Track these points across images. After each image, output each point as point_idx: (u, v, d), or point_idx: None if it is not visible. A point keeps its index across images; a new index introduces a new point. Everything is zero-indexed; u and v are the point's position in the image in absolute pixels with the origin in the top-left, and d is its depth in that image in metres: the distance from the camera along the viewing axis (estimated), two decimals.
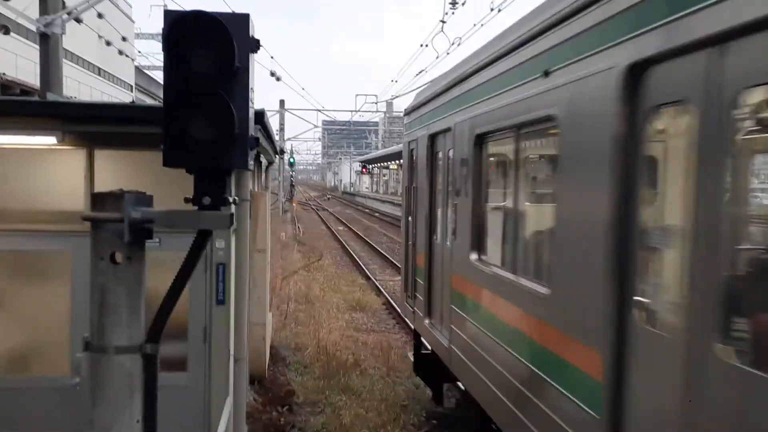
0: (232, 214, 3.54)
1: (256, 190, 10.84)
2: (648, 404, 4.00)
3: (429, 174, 9.88)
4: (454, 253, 8.39)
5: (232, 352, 7.33)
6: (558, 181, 5.38)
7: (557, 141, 5.27)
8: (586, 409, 4.63)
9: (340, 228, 43.98)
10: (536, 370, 5.60)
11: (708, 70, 3.46)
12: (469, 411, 8.33)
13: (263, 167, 12.74)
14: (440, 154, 9.39)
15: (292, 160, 59.48)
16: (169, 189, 3.77)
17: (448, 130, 8.70)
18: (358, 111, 47.89)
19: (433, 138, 9.74)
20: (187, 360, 6.98)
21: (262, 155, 10.56)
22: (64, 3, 13.48)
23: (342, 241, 35.10)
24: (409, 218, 11.36)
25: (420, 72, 24.20)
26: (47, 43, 13.31)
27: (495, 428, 6.87)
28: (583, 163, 4.79)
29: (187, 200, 3.43)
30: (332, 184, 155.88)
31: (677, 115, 3.89)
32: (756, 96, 3.40)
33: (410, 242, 11.16)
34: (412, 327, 11.20)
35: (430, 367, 10.06)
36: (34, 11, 13.42)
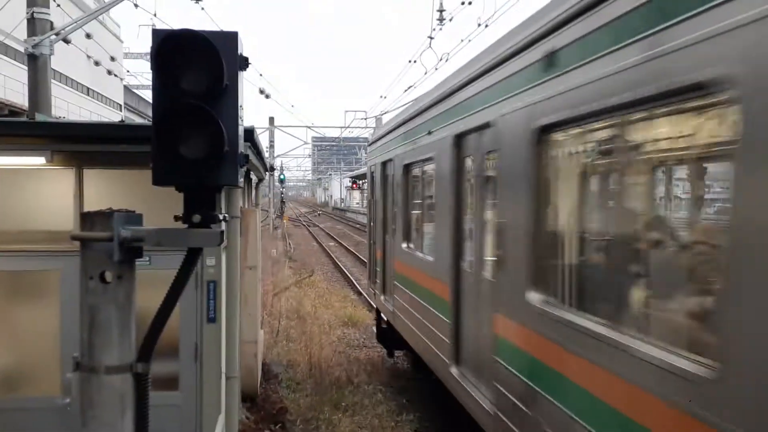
0: (222, 232, 3.53)
1: (246, 206, 10.83)
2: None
3: (382, 191, 12.94)
4: (395, 244, 11.19)
5: (223, 370, 7.29)
6: (437, 194, 8.76)
7: (436, 171, 8.74)
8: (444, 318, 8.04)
9: (331, 243, 43.91)
10: (429, 307, 8.88)
11: (477, 141, 7.02)
12: (407, 357, 13.10)
13: (253, 184, 12.74)
14: (388, 177, 11.95)
15: (282, 176, 59.51)
16: (159, 207, 3.77)
17: (391, 159, 12.02)
18: (348, 127, 47.95)
19: (384, 164, 12.91)
20: (179, 378, 6.94)
21: (252, 172, 10.56)
22: (52, 24, 13.48)
23: (333, 256, 35.03)
24: (372, 224, 14.73)
25: (409, 87, 24.32)
26: (35, 64, 13.29)
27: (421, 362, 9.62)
28: (444, 183, 8.28)
29: (177, 218, 3.42)
30: (323, 199, 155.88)
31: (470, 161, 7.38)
32: (491, 155, 6.57)
33: (372, 241, 14.49)
34: (374, 305, 14.75)
35: (387, 337, 13.23)
36: (22, 32, 13.42)
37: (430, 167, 9.33)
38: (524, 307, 5.47)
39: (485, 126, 6.59)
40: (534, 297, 5.31)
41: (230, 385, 7.50)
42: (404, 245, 10.74)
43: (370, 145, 15.53)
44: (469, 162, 7.57)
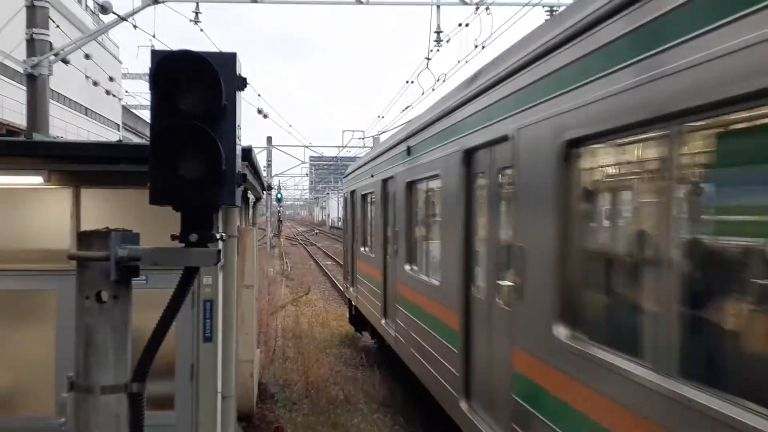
0: (219, 251, 3.52)
1: (243, 225, 10.82)
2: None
3: (352, 213, 17.64)
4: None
5: (219, 389, 7.23)
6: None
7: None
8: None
9: (328, 262, 43.79)
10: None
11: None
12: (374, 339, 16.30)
13: (251, 203, 12.74)
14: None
15: (279, 195, 59.45)
16: (157, 227, 3.76)
17: (355, 191, 16.74)
18: (345, 146, 48.00)
19: (351, 193, 17.80)
20: (174, 398, 6.89)
21: (249, 191, 10.57)
22: (51, 45, 13.54)
23: (330, 275, 34.94)
24: (345, 236, 19.66)
25: (406, 108, 24.37)
26: (34, 84, 13.34)
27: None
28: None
29: (174, 237, 3.42)
30: (320, 218, 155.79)
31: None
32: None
33: (346, 249, 19.50)
34: (347, 297, 19.17)
35: (357, 321, 16.98)
36: (21, 53, 13.47)
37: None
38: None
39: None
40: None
41: (226, 405, 7.45)
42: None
43: (344, 177, 20.56)
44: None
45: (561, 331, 4.72)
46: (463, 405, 7.20)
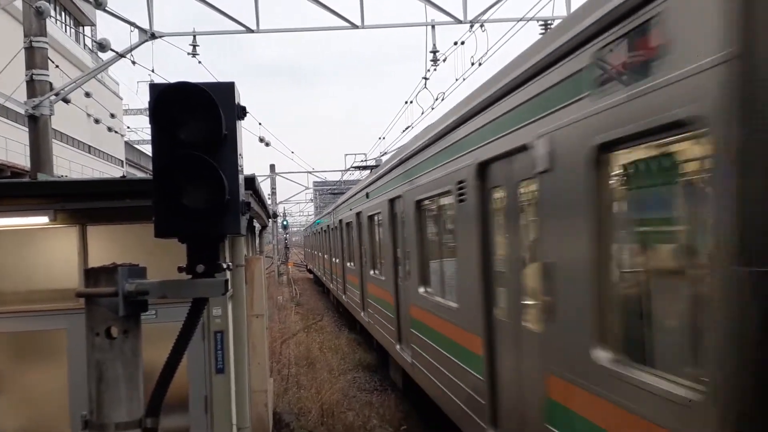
0: (227, 281, 3.52)
1: (250, 254, 10.82)
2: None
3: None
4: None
5: (234, 421, 7.20)
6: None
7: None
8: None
9: None
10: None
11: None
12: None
13: (257, 231, 12.75)
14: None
15: (285, 222, 59.53)
16: (163, 259, 3.77)
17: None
18: (348, 170, 48.14)
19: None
20: (189, 431, 6.85)
21: (254, 219, 10.58)
22: (51, 85, 13.66)
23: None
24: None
25: (407, 128, 24.44)
26: (36, 125, 13.44)
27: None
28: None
29: (180, 269, 3.42)
30: None
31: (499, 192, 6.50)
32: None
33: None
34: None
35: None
36: (21, 94, 13.59)
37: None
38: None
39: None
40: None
41: None
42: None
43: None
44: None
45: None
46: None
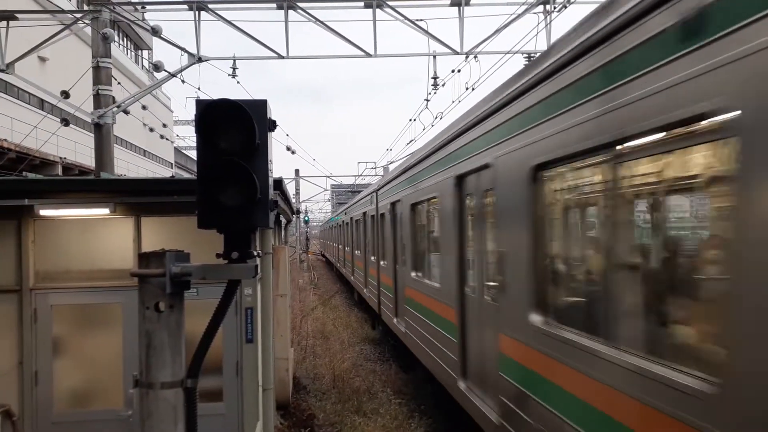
0: (257, 266, 3.53)
1: (277, 244, 10.84)
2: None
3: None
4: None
5: (260, 383, 7.22)
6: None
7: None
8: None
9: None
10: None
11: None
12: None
13: (283, 225, 12.77)
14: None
15: (306, 218, 59.48)
16: (203, 247, 3.78)
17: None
18: (360, 175, 48.15)
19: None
20: (223, 391, 6.87)
21: (281, 215, 10.59)
22: (114, 98, 13.71)
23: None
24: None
25: (410, 141, 24.42)
26: (100, 132, 13.48)
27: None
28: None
29: (218, 255, 3.44)
30: None
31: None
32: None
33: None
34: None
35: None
36: (89, 106, 13.65)
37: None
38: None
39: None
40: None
41: (266, 396, 7.42)
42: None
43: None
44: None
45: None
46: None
